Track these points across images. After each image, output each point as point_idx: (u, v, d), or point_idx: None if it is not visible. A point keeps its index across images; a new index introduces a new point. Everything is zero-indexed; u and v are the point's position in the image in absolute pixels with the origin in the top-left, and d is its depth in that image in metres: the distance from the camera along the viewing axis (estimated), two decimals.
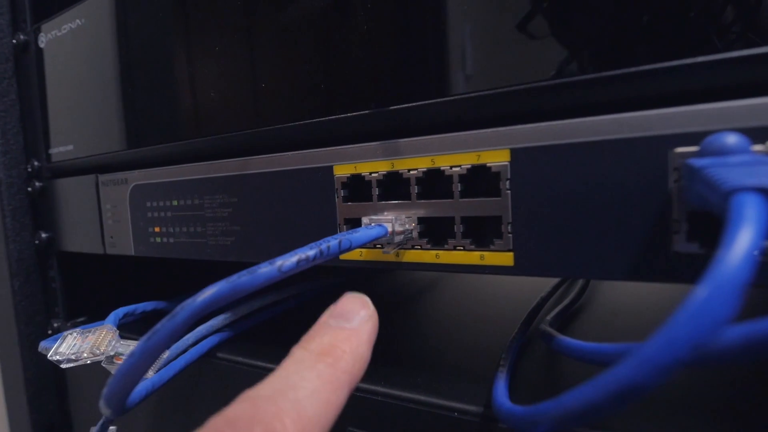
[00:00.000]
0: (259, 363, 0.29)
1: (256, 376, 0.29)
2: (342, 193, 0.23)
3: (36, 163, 0.41)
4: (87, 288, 0.43)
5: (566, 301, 0.34)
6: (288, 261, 0.16)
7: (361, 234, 0.19)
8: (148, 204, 0.32)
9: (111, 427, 0.31)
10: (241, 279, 0.15)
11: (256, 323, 0.35)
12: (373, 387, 0.24)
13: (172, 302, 0.36)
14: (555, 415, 0.13)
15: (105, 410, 0.16)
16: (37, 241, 0.41)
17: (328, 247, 0.18)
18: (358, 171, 0.23)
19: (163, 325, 0.15)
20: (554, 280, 0.40)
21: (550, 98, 0.18)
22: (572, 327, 0.32)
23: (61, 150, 0.38)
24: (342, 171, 0.23)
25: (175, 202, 0.31)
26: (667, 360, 0.10)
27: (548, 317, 0.30)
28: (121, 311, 0.32)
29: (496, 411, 0.19)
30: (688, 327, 0.10)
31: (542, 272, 0.19)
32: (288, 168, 0.25)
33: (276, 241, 0.26)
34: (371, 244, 0.22)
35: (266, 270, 0.16)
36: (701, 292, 0.10)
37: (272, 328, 0.35)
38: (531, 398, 0.21)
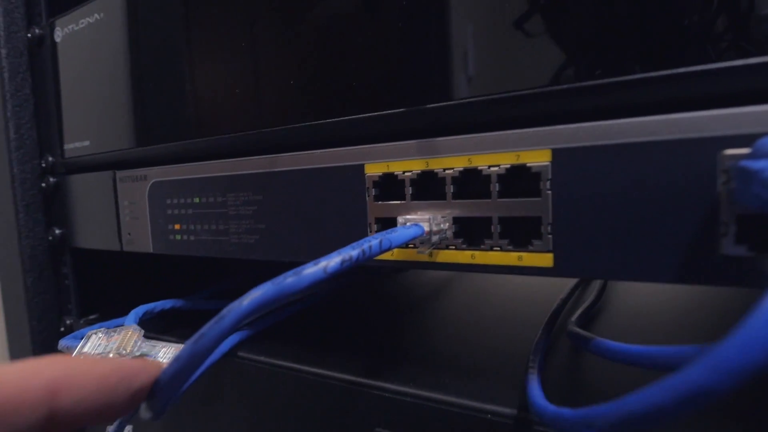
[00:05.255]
0: (280, 362, 0.28)
1: (277, 375, 0.29)
2: (373, 192, 0.23)
3: (50, 159, 0.40)
4: (99, 285, 0.43)
5: (587, 303, 0.34)
6: (332, 261, 0.16)
7: (399, 234, 0.19)
8: (168, 201, 0.32)
9: (127, 427, 0.30)
10: (287, 281, 0.15)
11: (274, 322, 0.35)
12: (401, 388, 0.24)
13: (189, 300, 0.36)
14: (615, 417, 0.12)
15: (146, 413, 0.16)
16: (50, 238, 0.41)
17: (370, 247, 0.17)
18: (391, 170, 0.22)
19: (210, 328, 0.15)
20: (570, 282, 0.40)
21: (594, 98, 0.18)
22: (596, 328, 0.32)
23: (76, 146, 0.38)
24: (373, 170, 0.23)
25: (197, 200, 0.30)
26: (744, 363, 0.10)
27: (573, 318, 0.30)
28: (141, 309, 0.31)
29: (538, 413, 0.19)
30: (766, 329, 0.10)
31: (583, 274, 0.19)
32: (317, 166, 0.25)
33: (302, 240, 0.26)
34: (404, 244, 0.22)
35: (312, 271, 0.16)
36: None
37: (290, 327, 0.34)
38: (564, 401, 0.21)
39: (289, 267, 0.17)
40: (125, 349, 0.24)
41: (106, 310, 0.42)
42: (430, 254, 0.22)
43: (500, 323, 0.34)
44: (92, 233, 0.38)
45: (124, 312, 0.33)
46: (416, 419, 0.24)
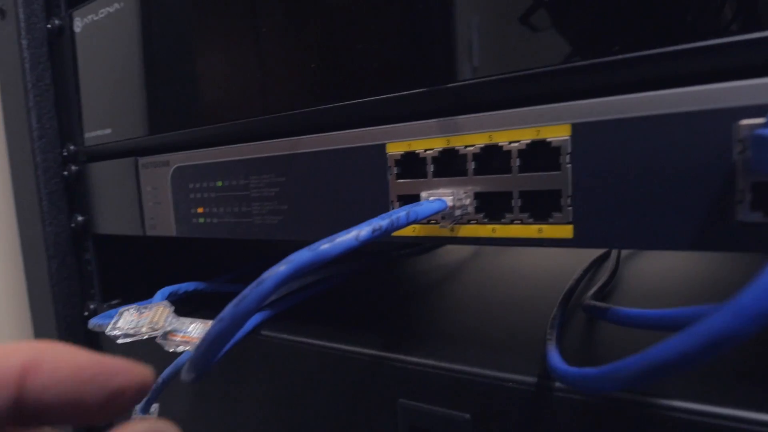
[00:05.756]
0: (303, 339, 0.29)
1: (299, 351, 0.29)
2: (395, 170, 0.24)
3: (72, 147, 0.41)
4: (120, 270, 0.44)
5: (601, 282, 0.34)
6: (364, 230, 0.17)
7: (425, 207, 0.20)
8: (191, 185, 0.33)
9: (154, 405, 0.31)
10: (323, 247, 0.16)
11: (294, 303, 0.36)
12: (422, 360, 0.25)
13: (211, 283, 0.37)
14: (638, 369, 0.13)
15: (189, 375, 0.17)
16: (73, 225, 0.42)
17: (398, 218, 0.18)
18: (412, 148, 0.23)
19: (251, 291, 0.16)
20: (583, 263, 0.40)
21: (612, 74, 0.19)
22: (611, 302, 0.32)
23: (98, 134, 0.39)
24: (395, 149, 0.24)
25: (219, 183, 0.31)
26: (763, 308, 0.11)
27: (588, 294, 0.30)
28: (166, 290, 0.32)
29: (561, 376, 0.19)
30: None
31: (602, 244, 0.19)
32: (339, 147, 0.26)
33: (325, 219, 0.27)
34: (425, 219, 0.23)
35: (345, 239, 0.17)
36: None
37: (309, 308, 0.35)
38: (583, 365, 0.22)
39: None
40: (157, 324, 0.25)
41: (127, 295, 0.43)
42: (452, 229, 0.22)
43: (515, 302, 0.35)
44: (115, 219, 0.39)
45: (144, 297, 0.34)
46: (438, 390, 0.24)
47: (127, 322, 0.26)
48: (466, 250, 0.58)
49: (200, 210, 0.33)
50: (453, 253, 0.57)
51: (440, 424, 0.24)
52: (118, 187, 0.38)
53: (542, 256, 0.52)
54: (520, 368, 0.23)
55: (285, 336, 0.30)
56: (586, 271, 0.39)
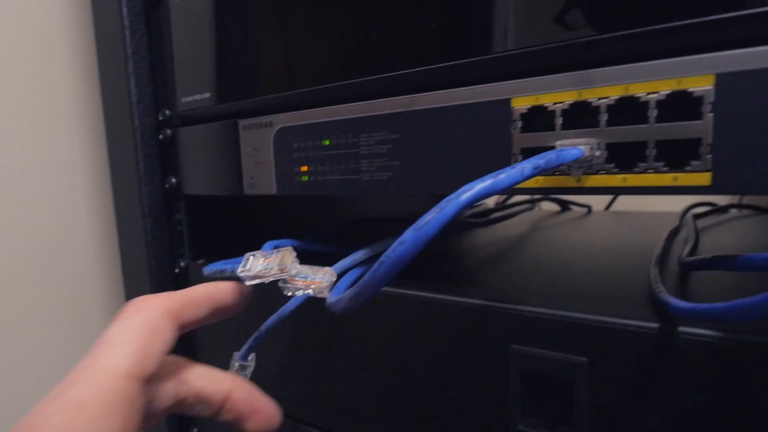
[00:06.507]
0: (410, 292, 0.30)
1: (407, 304, 0.31)
2: (519, 124, 0.25)
3: (167, 112, 0.43)
4: (207, 231, 0.46)
5: (689, 246, 0.35)
6: (527, 166, 0.18)
7: (566, 152, 0.21)
8: (295, 145, 0.34)
9: (251, 354, 0.33)
10: (498, 178, 0.17)
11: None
12: (535, 308, 0.26)
13: (304, 242, 0.39)
14: None
15: (348, 301, 0.18)
16: (166, 186, 0.44)
17: (550, 159, 0.19)
18: (540, 102, 0.24)
19: (433, 217, 0.17)
20: (663, 234, 0.41)
21: (758, 24, 0.19)
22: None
23: (195, 98, 0.41)
24: (521, 103, 0.25)
25: (326, 142, 0.33)
26: None
27: (684, 252, 0.31)
28: (269, 244, 0.34)
29: (688, 314, 0.20)
30: None
31: (740, 190, 0.20)
32: (459, 103, 0.27)
33: (439, 173, 0.28)
34: (551, 171, 0.24)
35: (512, 172, 0.18)
36: None
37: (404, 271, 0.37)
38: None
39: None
40: (285, 267, 0.27)
41: (212, 254, 0.46)
42: (579, 180, 0.23)
43: (605, 266, 0.36)
44: (211, 180, 0.41)
45: (229, 256, 0.35)
46: (553, 336, 0.26)
47: (255, 265, 0.27)
48: (524, 224, 0.58)
49: (304, 168, 0.34)
50: (512, 227, 0.58)
51: (556, 368, 0.25)
52: (215, 148, 0.40)
53: (605, 229, 0.53)
54: (637, 315, 0.24)
55: (391, 290, 0.31)
56: (667, 240, 0.39)
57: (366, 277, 0.18)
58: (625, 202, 0.77)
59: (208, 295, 0.25)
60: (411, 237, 0.17)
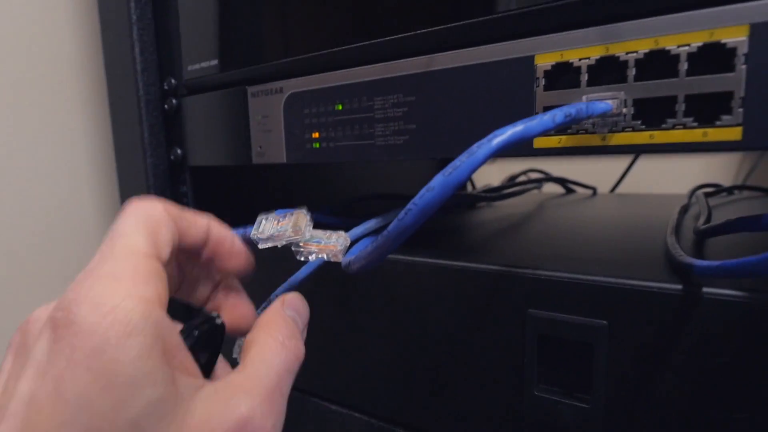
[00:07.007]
0: (426, 260, 0.30)
1: (423, 271, 0.30)
2: (543, 81, 0.24)
3: (172, 81, 0.42)
4: (212, 204, 0.46)
5: (703, 218, 0.35)
6: (558, 114, 0.18)
7: (595, 105, 0.20)
8: (306, 111, 0.34)
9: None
10: (529, 125, 0.17)
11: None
12: (551, 273, 0.26)
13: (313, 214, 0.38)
14: None
15: (377, 255, 0.18)
16: (172, 157, 0.43)
17: (580, 109, 0.19)
18: (565, 58, 0.24)
19: (462, 162, 0.16)
20: (676, 207, 0.41)
21: None
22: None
23: (202, 65, 0.40)
24: (545, 60, 0.24)
25: (339, 107, 0.32)
26: None
27: (699, 222, 0.31)
28: (279, 212, 0.33)
29: (713, 272, 0.20)
30: None
31: None
32: (479, 62, 0.26)
33: (459, 135, 0.27)
34: (575, 128, 0.23)
35: (544, 119, 0.17)
36: None
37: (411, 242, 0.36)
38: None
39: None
40: (300, 230, 0.26)
41: None
42: (603, 138, 0.23)
43: (619, 237, 0.36)
44: (219, 150, 0.40)
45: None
46: (571, 299, 0.25)
47: (269, 227, 0.27)
48: (531, 204, 0.58)
49: (315, 135, 0.34)
50: (519, 206, 0.57)
51: (574, 332, 0.25)
52: (222, 117, 0.39)
53: (613, 208, 0.53)
54: (658, 278, 0.24)
55: (401, 257, 0.31)
56: (680, 215, 0.39)
57: (391, 226, 0.18)
58: (629, 186, 0.76)
59: (205, 223, 0.24)
60: (440, 182, 0.16)
